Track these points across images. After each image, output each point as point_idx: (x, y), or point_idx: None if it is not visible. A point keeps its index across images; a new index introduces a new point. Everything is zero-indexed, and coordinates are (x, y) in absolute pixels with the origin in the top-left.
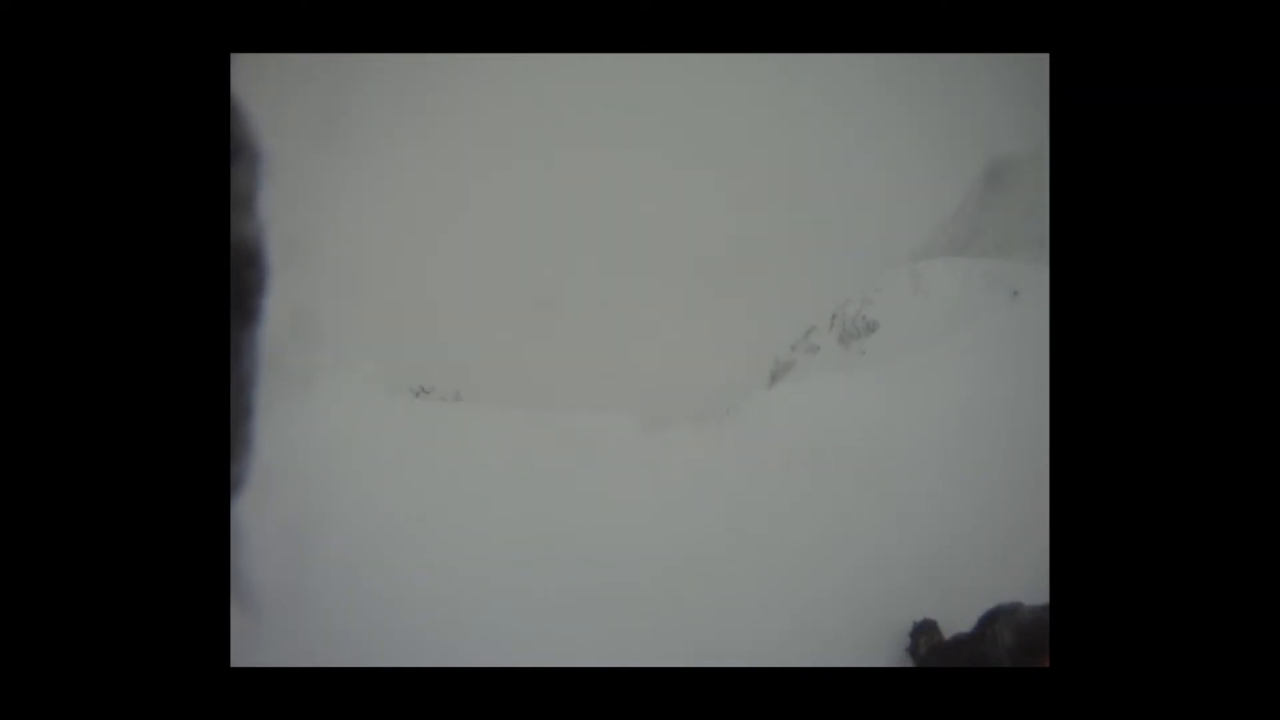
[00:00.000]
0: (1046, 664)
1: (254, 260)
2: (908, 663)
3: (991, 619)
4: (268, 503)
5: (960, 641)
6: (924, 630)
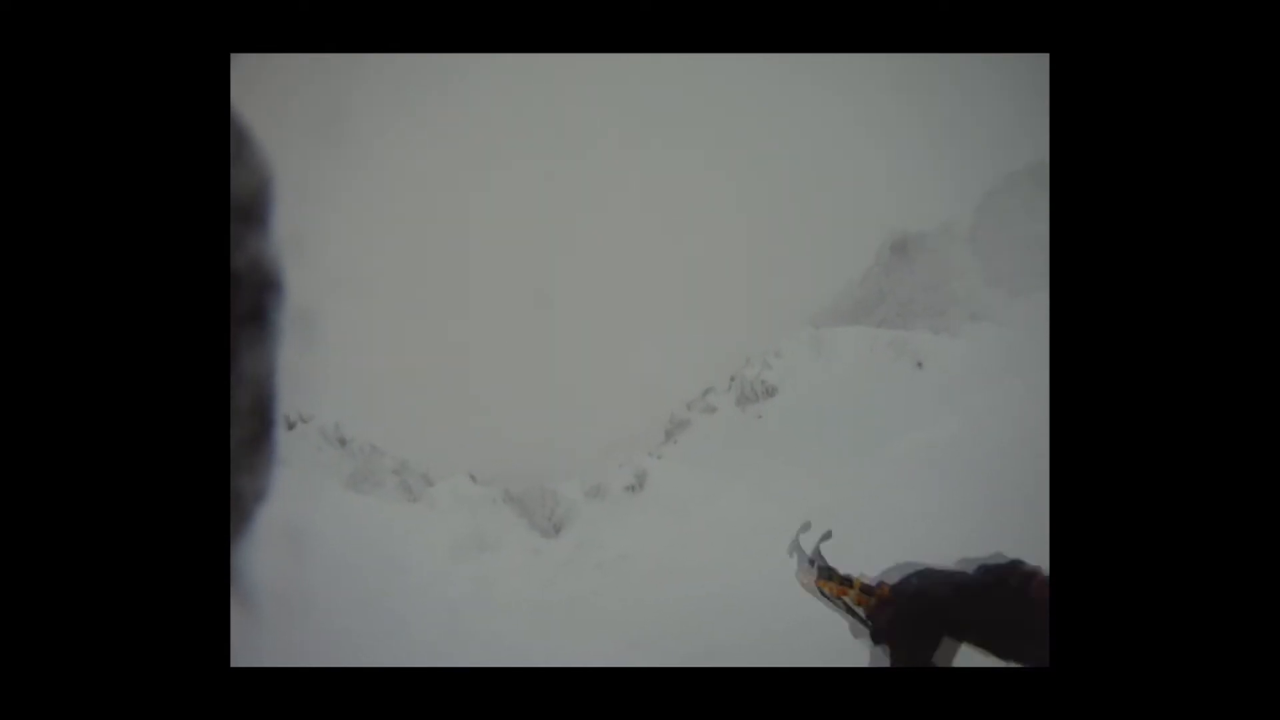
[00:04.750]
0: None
1: (261, 267)
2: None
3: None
4: (270, 504)
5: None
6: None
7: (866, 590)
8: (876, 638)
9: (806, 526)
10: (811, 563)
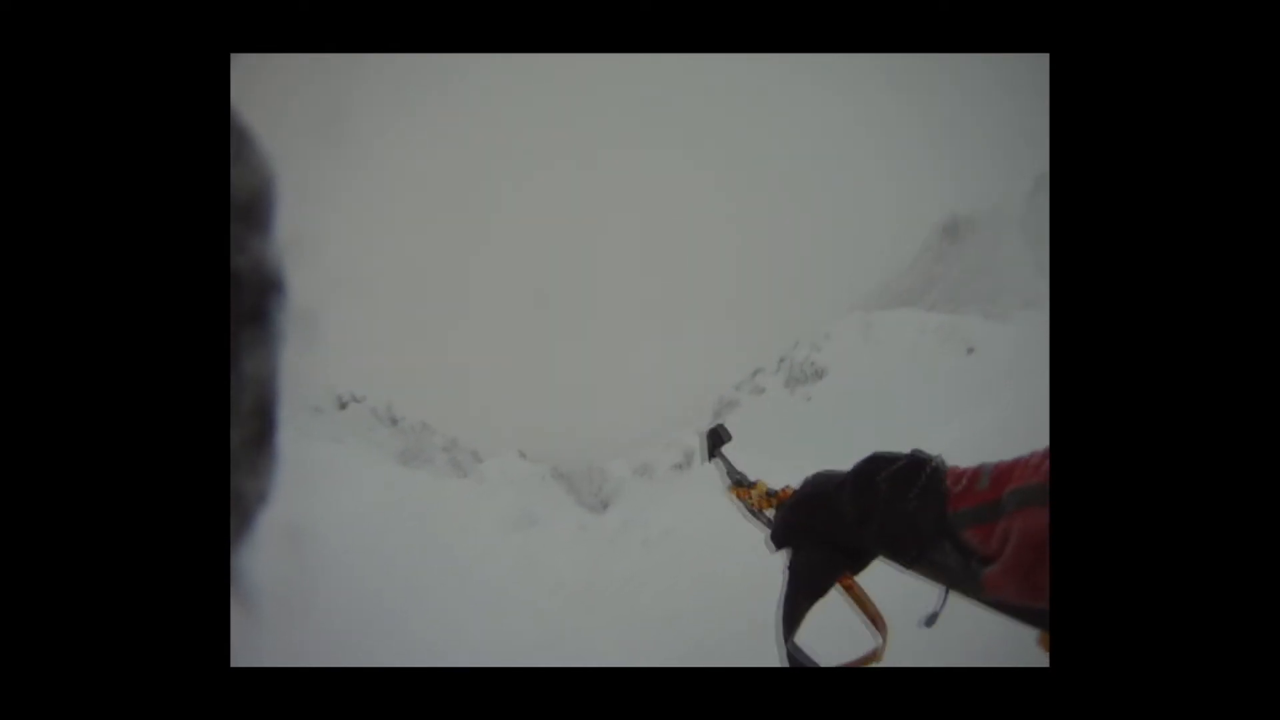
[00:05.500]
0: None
1: (262, 267)
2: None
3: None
4: (270, 504)
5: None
6: None
7: (770, 494)
8: (774, 539)
9: (723, 432)
10: (728, 469)
